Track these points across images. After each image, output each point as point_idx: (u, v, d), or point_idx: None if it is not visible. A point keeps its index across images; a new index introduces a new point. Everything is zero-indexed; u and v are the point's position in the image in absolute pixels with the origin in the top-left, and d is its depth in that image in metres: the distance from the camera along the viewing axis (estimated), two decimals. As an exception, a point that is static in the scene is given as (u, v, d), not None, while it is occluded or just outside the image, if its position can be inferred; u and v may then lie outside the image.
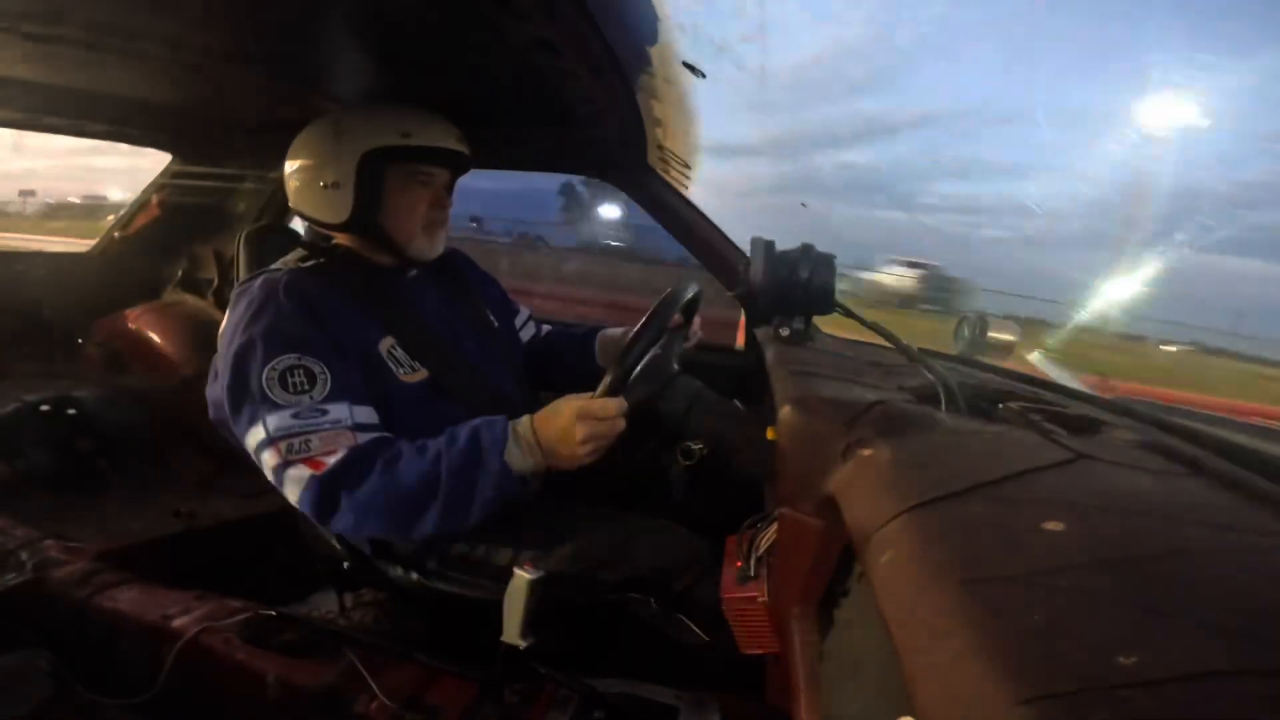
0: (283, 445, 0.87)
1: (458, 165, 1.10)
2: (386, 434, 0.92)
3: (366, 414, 0.92)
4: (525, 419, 0.89)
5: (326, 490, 0.86)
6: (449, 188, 1.12)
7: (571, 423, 0.85)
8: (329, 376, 0.89)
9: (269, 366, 0.88)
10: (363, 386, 0.94)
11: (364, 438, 0.89)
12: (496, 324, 1.22)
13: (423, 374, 1.01)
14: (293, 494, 0.88)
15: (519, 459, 0.87)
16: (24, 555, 1.17)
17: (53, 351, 2.00)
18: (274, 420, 0.87)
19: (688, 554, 0.95)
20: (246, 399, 0.89)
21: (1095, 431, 0.58)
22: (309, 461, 0.86)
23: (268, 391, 0.87)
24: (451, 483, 0.86)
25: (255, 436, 0.88)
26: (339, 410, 0.89)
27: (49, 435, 1.63)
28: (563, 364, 1.32)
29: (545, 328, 1.38)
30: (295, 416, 0.87)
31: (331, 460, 0.86)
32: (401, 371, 0.99)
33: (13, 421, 1.60)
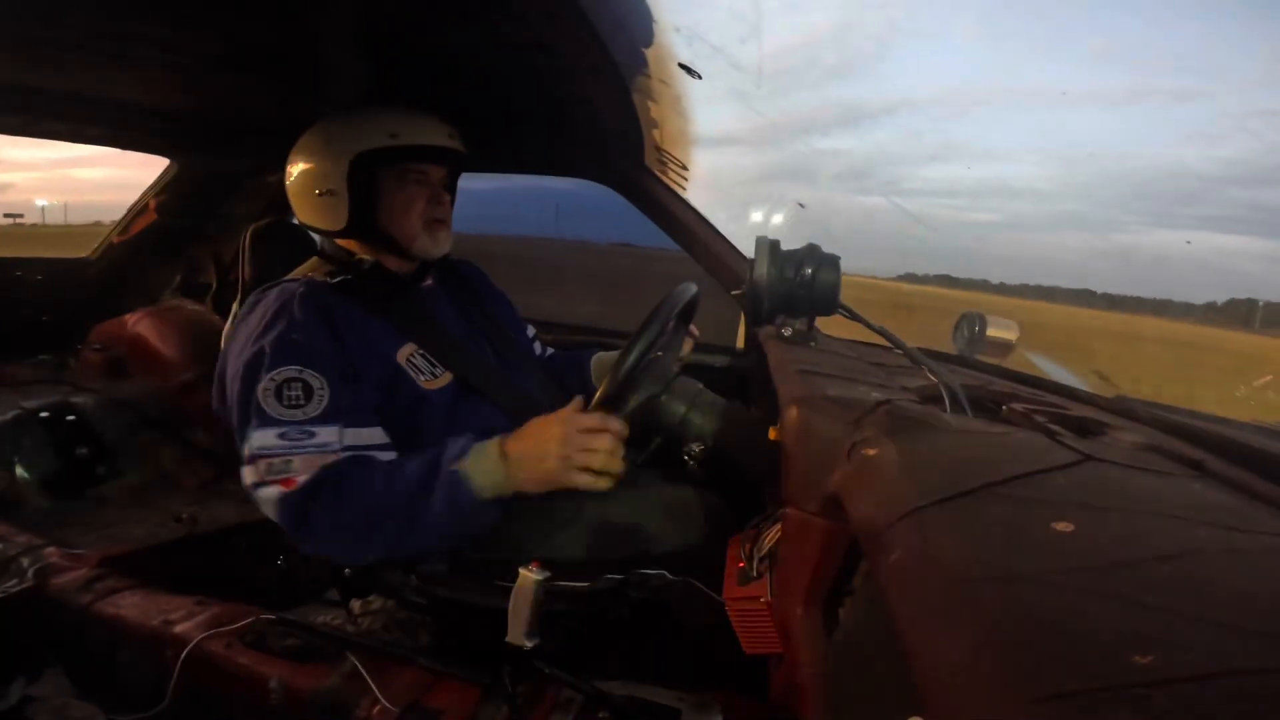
0: (262, 464, 0.86)
1: (451, 162, 1.09)
2: (366, 454, 0.90)
3: (368, 435, 0.91)
4: (495, 438, 0.88)
5: (297, 508, 0.85)
6: (447, 186, 1.11)
7: (546, 439, 0.84)
8: (327, 394, 0.88)
9: (269, 376, 0.88)
10: (368, 407, 0.93)
11: (346, 458, 0.88)
12: (512, 334, 1.22)
13: (446, 378, 1.00)
14: (269, 511, 0.87)
15: (478, 474, 0.85)
16: (25, 562, 1.16)
17: (52, 357, 2.00)
18: (259, 438, 0.86)
19: (703, 515, 0.95)
20: (245, 409, 0.89)
21: (1100, 434, 0.59)
22: (283, 480, 0.85)
23: (261, 403, 0.87)
24: (405, 498, 0.85)
25: (244, 450, 0.88)
26: (328, 433, 0.87)
27: (49, 441, 1.63)
28: (561, 387, 1.32)
29: (549, 350, 1.38)
30: (281, 436, 0.86)
31: (302, 479, 0.85)
32: (423, 378, 0.99)
33: (12, 428, 1.60)
